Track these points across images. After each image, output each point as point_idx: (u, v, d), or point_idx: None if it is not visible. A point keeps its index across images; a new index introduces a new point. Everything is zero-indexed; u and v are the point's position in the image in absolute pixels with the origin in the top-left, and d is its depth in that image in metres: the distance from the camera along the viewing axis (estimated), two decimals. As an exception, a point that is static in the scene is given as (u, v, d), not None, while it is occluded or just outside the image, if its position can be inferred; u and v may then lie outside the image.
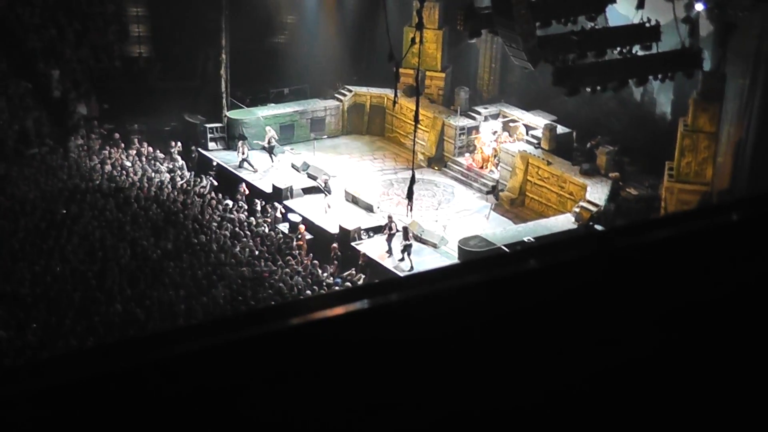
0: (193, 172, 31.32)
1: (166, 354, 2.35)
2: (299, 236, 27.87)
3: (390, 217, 28.04)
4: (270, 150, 32.66)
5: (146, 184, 29.82)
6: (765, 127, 26.34)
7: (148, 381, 2.33)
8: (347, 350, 2.43)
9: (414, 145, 30.28)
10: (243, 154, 32.36)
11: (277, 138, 32.90)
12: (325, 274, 25.99)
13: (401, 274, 25.76)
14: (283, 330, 2.41)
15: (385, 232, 27.76)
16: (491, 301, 2.54)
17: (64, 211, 27.63)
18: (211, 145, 33.64)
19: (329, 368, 2.42)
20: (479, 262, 2.58)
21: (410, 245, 26.83)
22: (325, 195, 30.02)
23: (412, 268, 26.49)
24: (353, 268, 26.55)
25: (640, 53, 25.18)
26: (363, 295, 2.49)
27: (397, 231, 27.85)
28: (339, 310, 2.45)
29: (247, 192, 30.12)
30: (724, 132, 27.30)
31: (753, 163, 26.67)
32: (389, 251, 27.39)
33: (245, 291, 24.39)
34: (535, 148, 31.81)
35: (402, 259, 26.82)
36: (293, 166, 32.42)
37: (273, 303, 23.96)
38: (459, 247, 26.91)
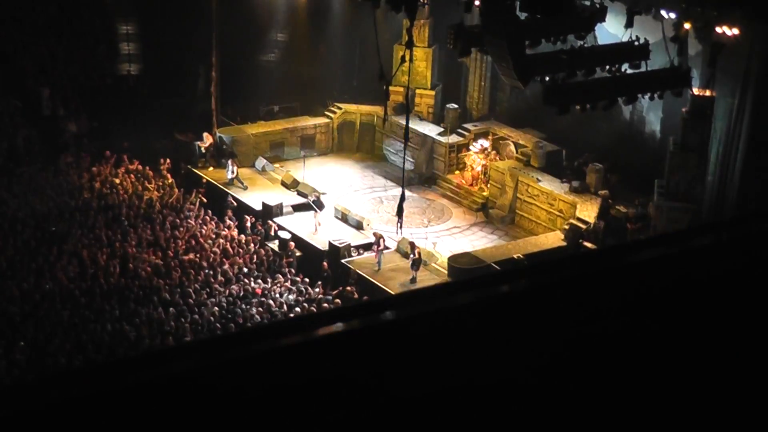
0: (182, 190, 31.26)
1: (177, 369, 2.35)
2: (289, 253, 27.84)
3: (377, 234, 28.07)
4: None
5: (136, 202, 29.76)
6: (754, 145, 26.43)
7: (157, 396, 2.33)
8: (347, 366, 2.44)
9: (404, 162, 30.33)
10: (233, 172, 32.34)
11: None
12: (317, 290, 25.94)
13: (391, 291, 25.76)
14: (282, 347, 2.41)
15: (374, 249, 27.77)
16: (482, 319, 2.55)
17: (54, 229, 27.55)
18: (201, 162, 33.60)
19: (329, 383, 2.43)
20: (469, 282, 2.59)
21: (419, 260, 26.86)
22: (316, 212, 30.02)
23: (416, 279, 26.52)
24: (343, 287, 26.49)
25: (629, 72, 25.26)
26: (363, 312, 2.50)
27: (386, 247, 27.88)
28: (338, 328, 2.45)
29: (235, 204, 30.17)
30: (713, 150, 27.38)
31: (742, 181, 26.74)
32: (378, 263, 27.42)
33: (234, 309, 24.33)
34: (525, 165, 31.87)
35: (413, 278, 26.70)
36: (283, 183, 32.41)
37: (264, 321, 23.91)
38: (449, 264, 26.91)
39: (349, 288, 26.19)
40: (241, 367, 2.39)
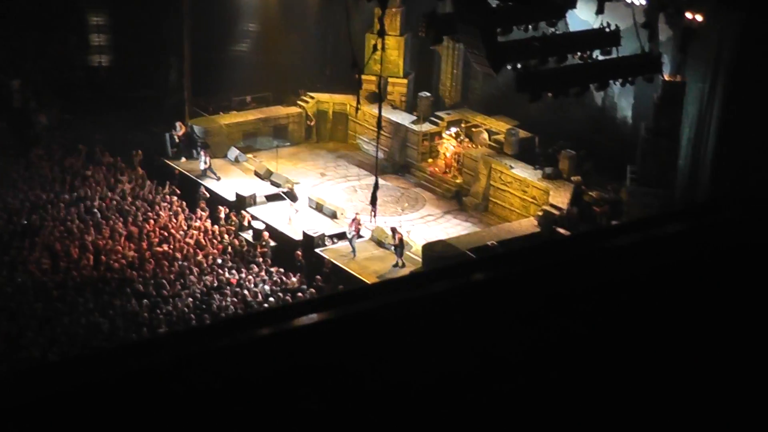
0: (155, 182, 31.11)
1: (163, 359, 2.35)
2: (263, 243, 27.79)
3: (357, 217, 28.11)
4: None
5: (108, 194, 29.61)
6: (725, 130, 26.60)
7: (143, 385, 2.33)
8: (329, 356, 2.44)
9: (377, 151, 30.31)
10: (205, 162, 32.20)
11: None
12: (293, 280, 25.93)
13: (366, 280, 25.79)
14: (259, 338, 2.41)
15: (351, 231, 27.77)
16: (459, 306, 2.56)
17: (26, 222, 27.37)
18: (173, 153, 33.45)
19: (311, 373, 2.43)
20: (443, 271, 2.60)
21: (402, 244, 26.95)
22: (291, 203, 29.98)
23: (403, 264, 26.64)
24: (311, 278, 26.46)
25: (601, 58, 25.35)
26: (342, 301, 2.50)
27: (360, 236, 27.93)
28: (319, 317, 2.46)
29: (208, 195, 30.09)
30: (684, 135, 27.53)
31: (713, 166, 26.91)
32: (353, 251, 27.45)
33: (209, 300, 24.27)
34: (498, 153, 31.93)
35: (397, 264, 26.84)
36: (256, 173, 32.33)
37: (238, 311, 23.88)
38: (423, 252, 26.96)
39: (318, 277, 26.17)
40: (218, 357, 2.39)
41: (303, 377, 2.42)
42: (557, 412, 2.50)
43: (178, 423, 2.33)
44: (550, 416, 2.48)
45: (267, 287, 25.34)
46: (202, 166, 32.13)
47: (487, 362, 2.49)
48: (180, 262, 25.91)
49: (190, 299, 24.15)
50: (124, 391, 2.33)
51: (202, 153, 32.45)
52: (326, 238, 28.11)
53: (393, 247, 27.14)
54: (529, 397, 2.49)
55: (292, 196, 30.28)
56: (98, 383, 2.31)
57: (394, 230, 27.42)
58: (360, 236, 28.11)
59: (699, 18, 25.26)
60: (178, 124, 33.61)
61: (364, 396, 2.44)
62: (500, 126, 33.17)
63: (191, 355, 2.37)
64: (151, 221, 28.04)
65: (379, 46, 26.91)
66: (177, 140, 33.46)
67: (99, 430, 2.26)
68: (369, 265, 27.08)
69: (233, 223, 28.84)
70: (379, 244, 27.93)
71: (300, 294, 25.19)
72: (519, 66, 24.70)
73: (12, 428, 2.23)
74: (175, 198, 30.09)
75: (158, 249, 26.45)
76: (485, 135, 33.25)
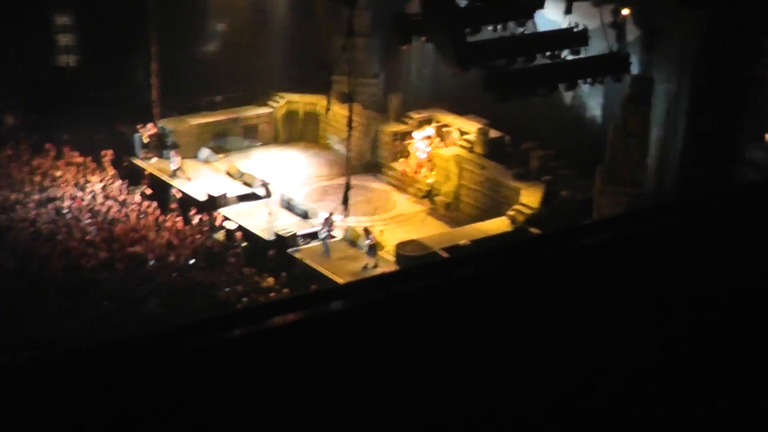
0: (126, 182, 30.95)
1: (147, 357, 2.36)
2: (236, 243, 27.71)
3: (331, 216, 28.08)
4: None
5: (78, 194, 29.43)
6: (692, 129, 26.81)
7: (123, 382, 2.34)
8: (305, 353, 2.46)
9: (348, 151, 30.29)
10: (176, 163, 32.07)
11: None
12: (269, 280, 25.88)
13: (339, 280, 25.78)
14: (237, 337, 2.43)
15: (324, 231, 27.71)
16: (430, 306, 2.59)
17: (-6, 224, 27.18)
18: (143, 153, 33.28)
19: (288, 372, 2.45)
20: (417, 270, 2.63)
21: (375, 245, 26.93)
22: (267, 201, 29.91)
23: (375, 266, 26.62)
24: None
25: (569, 58, 25.47)
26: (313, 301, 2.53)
27: (332, 236, 27.92)
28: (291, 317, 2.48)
29: (179, 196, 29.96)
30: (653, 135, 27.71)
31: (681, 164, 27.12)
32: (326, 251, 27.42)
33: (180, 300, 24.19)
34: (469, 152, 32.01)
35: (366, 266, 26.78)
36: (227, 173, 32.23)
37: (210, 312, 23.80)
38: (396, 252, 26.99)
39: (283, 274, 26.14)
40: (194, 357, 2.41)
41: (282, 374, 2.44)
42: (538, 410, 2.54)
43: (160, 422, 2.34)
44: (529, 415, 2.52)
45: (240, 287, 25.27)
46: (173, 167, 32.00)
47: (462, 361, 2.53)
48: (151, 263, 25.78)
49: (161, 300, 24.04)
50: (86, 393, 2.34)
51: (172, 153, 32.31)
52: (298, 238, 28.06)
53: (366, 248, 27.12)
54: (504, 398, 2.53)
55: (267, 193, 30.26)
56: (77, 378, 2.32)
57: (367, 231, 27.40)
58: (332, 236, 28.10)
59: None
60: (149, 125, 33.44)
61: (342, 393, 2.47)
62: (471, 125, 33.24)
63: (168, 355, 2.39)
64: (122, 222, 27.89)
65: (347, 47, 26.91)
66: (146, 141, 33.28)
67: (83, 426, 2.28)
68: (342, 265, 27.07)
69: (205, 223, 28.73)
70: (352, 243, 27.92)
71: (272, 294, 25.15)
72: (487, 66, 24.77)
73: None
74: (146, 199, 29.94)
75: (129, 250, 26.31)
76: (456, 134, 33.32)
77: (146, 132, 33.30)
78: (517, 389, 2.55)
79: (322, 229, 27.86)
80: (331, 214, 28.33)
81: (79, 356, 2.44)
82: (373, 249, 26.90)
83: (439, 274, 2.62)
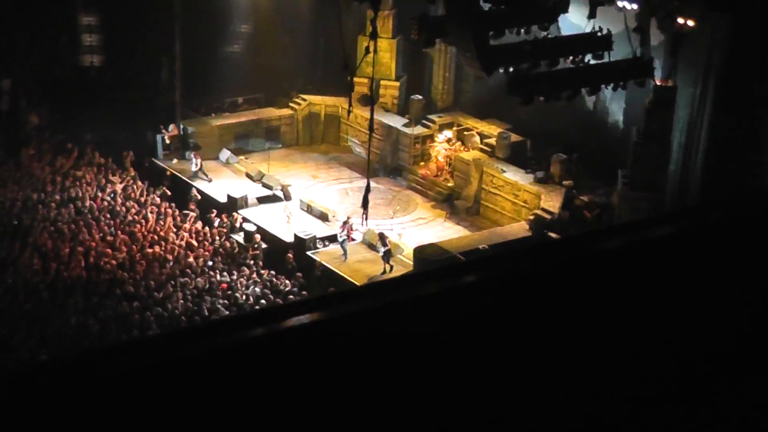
0: (146, 182, 31.07)
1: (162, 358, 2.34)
2: (255, 245, 27.75)
3: (349, 220, 28.06)
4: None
5: (99, 195, 29.55)
6: (715, 135, 26.67)
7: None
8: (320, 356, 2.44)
9: (369, 154, 30.29)
10: (197, 165, 32.17)
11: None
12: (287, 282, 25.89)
13: (357, 283, 25.77)
14: (250, 339, 2.41)
15: (342, 234, 27.71)
16: (447, 310, 2.56)
17: (16, 223, 27.30)
18: (164, 154, 33.40)
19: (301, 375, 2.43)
20: (434, 273, 2.60)
21: (390, 251, 26.87)
22: (286, 205, 29.93)
23: (391, 270, 26.57)
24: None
25: (593, 62, 25.41)
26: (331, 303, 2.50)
27: (352, 239, 27.92)
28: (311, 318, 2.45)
29: (199, 197, 30.02)
30: (675, 140, 27.60)
31: (703, 170, 26.98)
32: (344, 254, 27.41)
33: (200, 302, 24.24)
34: (490, 156, 31.97)
35: (384, 271, 26.72)
36: (248, 175, 32.31)
37: (228, 313, 23.83)
38: (415, 255, 26.95)
39: (299, 275, 26.16)
40: (210, 358, 2.39)
41: (298, 376, 2.42)
42: (548, 412, 2.51)
43: (171, 423, 2.32)
44: (541, 416, 2.49)
45: (258, 289, 25.31)
46: (194, 168, 32.09)
47: (476, 362, 2.50)
48: (171, 264, 25.86)
49: (181, 301, 24.11)
50: (119, 390, 2.33)
51: (192, 155, 32.42)
52: (317, 240, 28.08)
53: (382, 254, 27.01)
54: (516, 397, 2.49)
55: (286, 195, 30.28)
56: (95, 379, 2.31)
57: (382, 236, 27.25)
58: (352, 239, 28.10)
59: (690, 23, 25.33)
60: (171, 126, 33.55)
61: (357, 395, 2.45)
62: (492, 129, 33.20)
63: (185, 355, 2.37)
64: (142, 222, 27.99)
65: (371, 49, 26.92)
66: (168, 141, 33.40)
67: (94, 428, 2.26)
68: (361, 268, 27.07)
69: (225, 225, 28.80)
70: (371, 247, 27.91)
71: (291, 296, 25.17)
72: (511, 69, 24.74)
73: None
74: (166, 200, 30.04)
75: (149, 251, 26.40)
76: (477, 138, 33.28)
77: (168, 133, 33.40)
78: (532, 392, 2.52)
79: (341, 232, 27.85)
80: (348, 218, 28.32)
81: (93, 357, 2.42)
82: (388, 254, 26.80)
83: (455, 276, 2.59)
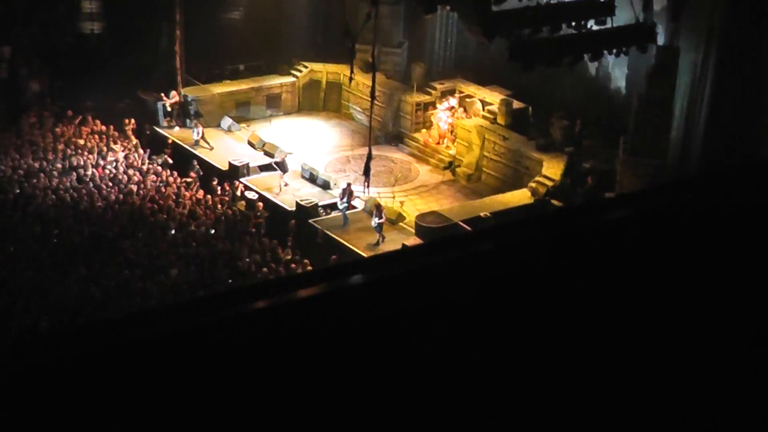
0: (148, 150, 31.03)
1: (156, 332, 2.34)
2: (258, 213, 27.74)
3: (349, 188, 27.97)
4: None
5: (101, 162, 29.53)
6: (717, 100, 26.59)
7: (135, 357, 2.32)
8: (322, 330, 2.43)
9: (370, 121, 30.21)
10: (198, 133, 32.11)
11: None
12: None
13: (358, 251, 25.79)
14: (253, 311, 2.40)
15: (342, 202, 27.63)
16: (450, 281, 2.55)
17: (18, 191, 27.30)
18: (166, 122, 33.32)
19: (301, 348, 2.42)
20: (439, 244, 2.59)
21: (382, 223, 26.79)
22: (282, 174, 29.89)
23: (383, 240, 26.51)
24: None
25: (595, 28, 25.28)
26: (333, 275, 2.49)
27: (353, 206, 27.88)
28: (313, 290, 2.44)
29: (201, 172, 29.92)
30: (677, 106, 27.51)
31: (705, 136, 26.93)
32: (345, 222, 27.36)
33: (202, 270, 24.28)
34: (491, 123, 31.87)
35: (378, 242, 26.66)
36: (249, 143, 32.24)
37: (231, 281, 23.89)
38: (416, 223, 26.95)
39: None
40: (215, 329, 2.38)
41: (302, 350, 2.41)
42: (553, 389, 2.50)
43: (175, 395, 2.32)
44: (545, 393, 2.48)
45: (258, 257, 25.33)
46: (195, 137, 32.03)
47: (480, 336, 2.49)
48: (173, 232, 25.88)
49: (183, 269, 24.15)
50: (125, 362, 2.32)
51: (194, 123, 32.33)
52: (320, 208, 28.05)
53: (375, 225, 26.88)
54: (522, 372, 2.48)
55: (282, 166, 30.17)
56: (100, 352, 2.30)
57: (378, 207, 27.09)
58: (353, 207, 28.06)
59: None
60: (172, 92, 33.43)
61: (362, 373, 2.44)
62: (494, 96, 33.08)
63: (189, 327, 2.36)
64: (144, 190, 27.99)
65: (372, 15, 26.76)
66: (169, 109, 33.30)
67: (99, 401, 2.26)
68: (362, 236, 27.04)
69: (227, 193, 28.77)
70: (372, 215, 27.87)
71: (293, 265, 25.20)
72: (512, 35, 24.62)
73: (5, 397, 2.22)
74: (167, 167, 30.01)
75: (151, 219, 26.41)
76: (479, 105, 33.17)
77: (170, 100, 33.30)
78: (534, 377, 2.51)
79: (341, 199, 27.79)
80: (349, 185, 28.23)
81: (97, 330, 2.41)
82: (380, 227, 26.70)
83: (458, 248, 2.58)
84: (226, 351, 2.39)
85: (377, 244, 26.55)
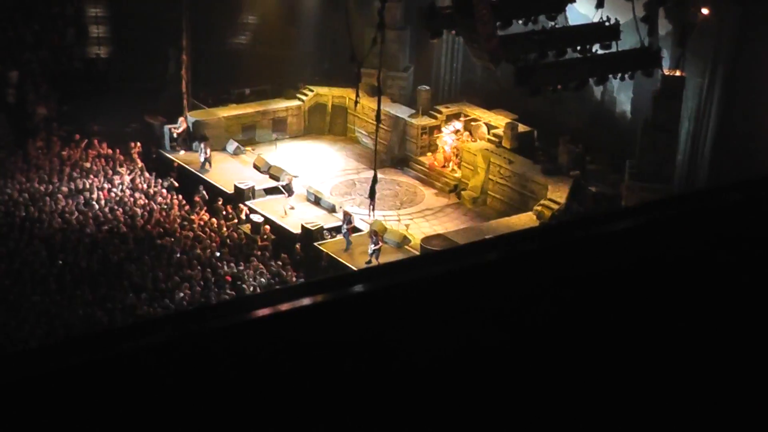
0: (154, 174, 31.09)
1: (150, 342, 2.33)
2: (264, 237, 27.76)
3: (347, 213, 28.04)
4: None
5: (107, 186, 29.59)
6: (723, 125, 26.62)
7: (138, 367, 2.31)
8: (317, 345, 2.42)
9: (376, 144, 30.26)
10: (206, 154, 32.19)
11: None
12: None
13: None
14: (246, 323, 2.40)
15: (344, 227, 27.71)
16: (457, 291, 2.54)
17: (24, 214, 27.34)
18: (171, 145, 33.42)
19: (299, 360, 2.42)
20: (436, 256, 2.59)
21: (379, 249, 26.80)
22: (287, 196, 29.92)
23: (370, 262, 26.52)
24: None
25: (600, 52, 25.33)
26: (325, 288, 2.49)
27: (356, 228, 27.90)
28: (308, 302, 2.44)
29: (206, 197, 29.93)
30: (683, 130, 27.54)
31: (712, 160, 26.94)
32: (347, 246, 27.39)
33: (208, 293, 24.27)
34: (497, 147, 31.91)
35: (369, 262, 26.66)
36: (255, 166, 32.30)
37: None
38: (421, 246, 26.94)
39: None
40: (210, 338, 2.38)
41: (300, 359, 2.41)
42: (548, 400, 2.49)
43: (173, 404, 2.31)
44: (541, 403, 2.47)
45: (264, 280, 25.33)
46: (202, 158, 32.10)
47: (479, 346, 2.48)
48: (178, 256, 25.89)
49: (188, 292, 24.14)
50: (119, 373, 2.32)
51: (202, 145, 32.38)
52: (324, 231, 28.08)
53: (371, 251, 26.90)
54: (520, 383, 2.48)
55: (288, 190, 30.21)
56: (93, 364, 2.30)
57: (375, 233, 27.09)
58: (357, 230, 28.07)
59: (705, 11, 25.21)
60: (180, 119, 33.52)
61: (361, 377, 2.43)
62: (499, 120, 33.14)
63: (184, 336, 2.36)
64: (150, 214, 28.02)
65: (378, 39, 26.85)
66: (176, 135, 33.39)
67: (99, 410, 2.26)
68: (365, 258, 27.02)
69: (232, 216, 28.80)
70: (376, 236, 27.87)
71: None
72: (518, 60, 24.68)
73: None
74: (173, 191, 30.06)
75: (156, 242, 26.43)
76: (484, 129, 33.22)
77: (177, 129, 33.37)
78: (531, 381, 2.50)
79: (343, 223, 27.85)
80: (345, 212, 28.21)
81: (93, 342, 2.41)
82: (378, 253, 26.72)
83: (458, 259, 2.58)
84: (228, 360, 2.39)
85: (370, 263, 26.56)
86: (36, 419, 2.22)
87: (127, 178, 30.30)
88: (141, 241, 26.44)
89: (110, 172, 30.70)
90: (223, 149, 33.53)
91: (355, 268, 26.34)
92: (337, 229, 28.23)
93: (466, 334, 2.48)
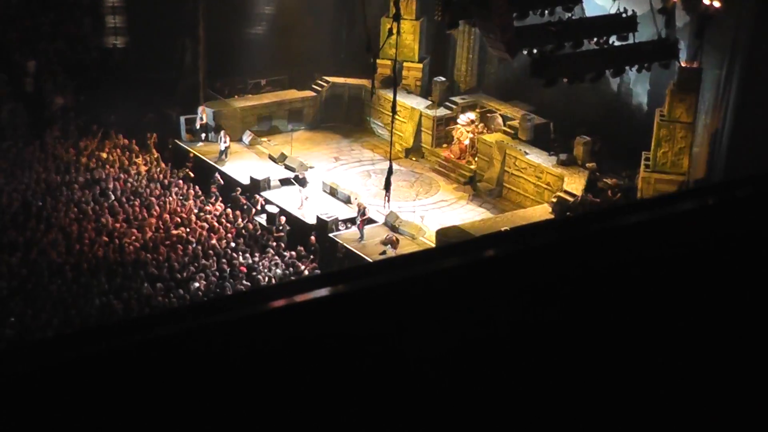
0: (170, 164, 31.17)
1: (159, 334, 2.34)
2: (280, 227, 27.80)
3: (360, 205, 28.07)
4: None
5: (123, 176, 29.67)
6: (741, 117, 26.48)
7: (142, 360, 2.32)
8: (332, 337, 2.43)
9: (391, 136, 30.26)
10: (226, 143, 32.25)
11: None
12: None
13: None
14: (259, 315, 2.40)
15: (358, 219, 27.75)
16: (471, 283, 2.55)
17: (41, 204, 27.46)
18: (188, 136, 33.50)
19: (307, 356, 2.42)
20: (451, 248, 2.59)
21: (396, 241, 26.81)
22: (301, 189, 29.93)
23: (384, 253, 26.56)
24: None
25: (617, 44, 25.25)
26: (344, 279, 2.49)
27: (370, 220, 27.93)
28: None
29: (221, 183, 30.03)
30: (700, 122, 27.42)
31: (729, 152, 26.82)
32: (360, 237, 27.42)
33: (223, 284, 24.33)
34: (513, 138, 31.86)
35: (383, 253, 26.70)
36: (271, 157, 32.35)
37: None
38: (437, 238, 26.94)
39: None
40: (221, 330, 2.38)
41: (309, 351, 2.41)
42: (556, 396, 2.49)
43: (182, 396, 2.32)
44: (547, 401, 2.48)
45: (279, 271, 25.38)
46: (222, 147, 32.16)
47: (490, 341, 2.49)
48: (194, 246, 25.96)
49: (204, 283, 24.21)
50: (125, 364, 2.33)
51: (222, 133, 32.42)
52: (340, 222, 28.11)
53: (388, 243, 26.93)
54: (529, 379, 2.48)
55: (301, 182, 30.23)
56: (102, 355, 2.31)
57: (391, 241, 27.03)
58: (372, 221, 28.09)
59: (717, 4, 25.10)
60: (200, 108, 33.58)
61: (370, 372, 2.44)
62: (515, 111, 33.08)
63: (192, 329, 2.37)
64: (166, 204, 28.10)
65: (394, 30, 26.84)
66: (198, 126, 33.45)
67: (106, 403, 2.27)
68: (379, 249, 27.03)
69: (245, 206, 28.85)
70: (393, 229, 27.89)
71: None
72: (534, 51, 24.62)
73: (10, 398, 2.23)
74: (189, 181, 30.13)
75: (173, 232, 26.50)
76: (500, 120, 33.17)
77: (198, 120, 33.44)
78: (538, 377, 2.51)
79: (357, 215, 27.90)
80: (357, 200, 28.27)
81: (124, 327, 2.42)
82: (395, 244, 26.74)
83: (474, 252, 2.58)
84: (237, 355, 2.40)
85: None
86: (53, 408, 2.23)
87: (143, 169, 30.37)
88: (157, 231, 26.51)
89: (126, 162, 30.79)
90: (239, 140, 33.59)
91: (369, 259, 26.38)
92: (352, 220, 28.28)
93: (481, 327, 2.48)
